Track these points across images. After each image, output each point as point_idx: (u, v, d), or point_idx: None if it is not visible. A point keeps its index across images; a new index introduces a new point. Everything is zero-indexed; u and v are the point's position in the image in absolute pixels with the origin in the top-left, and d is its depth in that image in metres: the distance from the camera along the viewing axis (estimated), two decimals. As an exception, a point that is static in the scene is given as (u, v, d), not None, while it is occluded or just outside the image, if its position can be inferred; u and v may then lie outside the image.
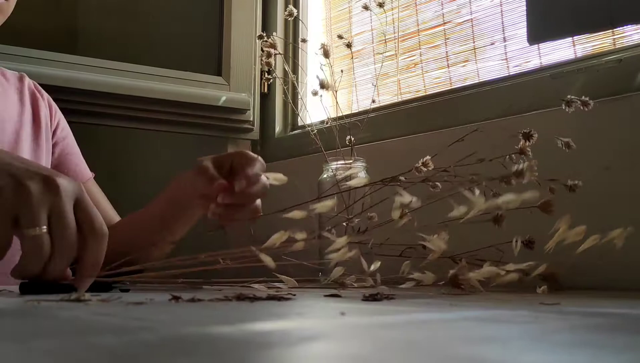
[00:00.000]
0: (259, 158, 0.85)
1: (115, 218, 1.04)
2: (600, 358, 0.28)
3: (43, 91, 1.05)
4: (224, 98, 1.38)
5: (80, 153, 1.06)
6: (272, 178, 0.74)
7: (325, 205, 0.65)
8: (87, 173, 1.05)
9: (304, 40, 1.10)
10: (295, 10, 1.04)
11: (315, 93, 1.03)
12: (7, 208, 0.58)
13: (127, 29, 1.53)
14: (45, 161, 0.99)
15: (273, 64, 1.05)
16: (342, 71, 1.02)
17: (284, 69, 1.41)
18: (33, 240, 0.58)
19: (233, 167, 0.85)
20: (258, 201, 0.84)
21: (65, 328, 0.36)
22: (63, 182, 0.60)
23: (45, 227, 0.58)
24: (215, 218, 0.83)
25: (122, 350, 0.27)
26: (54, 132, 1.03)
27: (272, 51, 1.00)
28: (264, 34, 1.05)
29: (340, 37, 1.01)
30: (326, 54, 1.00)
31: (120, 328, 0.35)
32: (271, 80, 1.32)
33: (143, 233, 0.94)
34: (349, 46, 1.01)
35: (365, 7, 1.04)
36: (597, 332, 0.38)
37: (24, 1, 0.92)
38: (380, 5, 1.03)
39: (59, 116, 1.05)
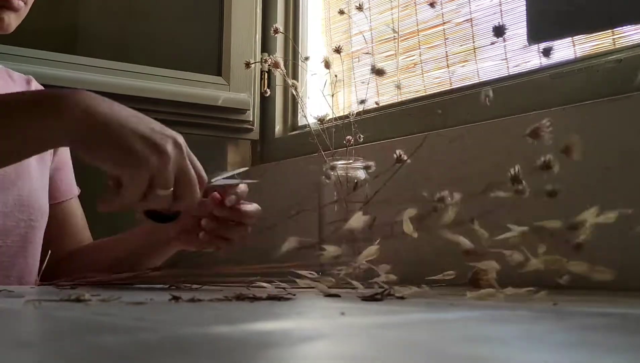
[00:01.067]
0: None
1: (89, 236, 1.04)
2: (599, 358, 0.28)
3: None
4: (223, 97, 1.38)
5: (72, 169, 1.06)
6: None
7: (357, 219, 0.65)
8: (75, 190, 1.04)
9: (306, 59, 1.09)
10: (280, 28, 1.04)
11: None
12: (148, 175, 0.65)
13: (127, 29, 1.52)
14: (44, 167, 0.98)
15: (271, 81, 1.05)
16: (336, 76, 1.02)
17: (284, 70, 1.41)
18: (160, 198, 0.66)
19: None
20: (249, 226, 0.83)
21: (65, 328, 0.36)
22: (182, 140, 0.69)
23: (172, 189, 0.67)
24: (206, 237, 0.82)
25: (122, 350, 0.27)
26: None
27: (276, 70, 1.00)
28: (268, 57, 1.04)
29: (337, 51, 1.01)
30: (327, 65, 1.00)
31: (120, 328, 0.35)
32: (268, 93, 1.31)
33: (115, 260, 0.93)
34: (337, 50, 1.01)
35: (359, 8, 1.04)
36: (597, 332, 0.38)
37: (25, 1, 0.92)
38: (359, 8, 1.03)
39: None
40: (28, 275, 0.92)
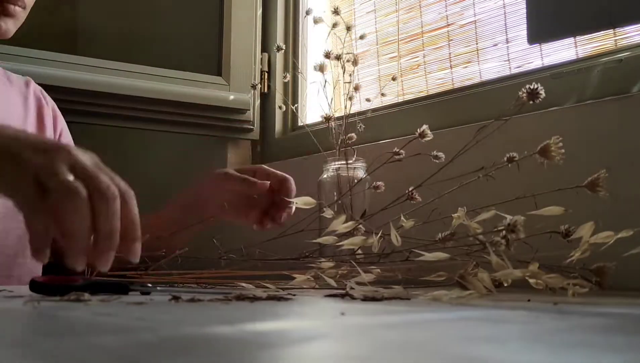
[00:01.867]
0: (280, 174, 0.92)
1: None
2: (599, 358, 0.28)
3: (48, 98, 1.04)
4: (231, 97, 1.38)
5: None
6: (300, 203, 0.75)
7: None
8: None
9: (301, 73, 1.10)
10: (283, 46, 1.06)
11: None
12: (31, 169, 0.52)
13: (127, 29, 1.52)
14: None
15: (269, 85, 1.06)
16: (336, 81, 1.03)
17: (284, 70, 1.41)
18: (62, 185, 0.51)
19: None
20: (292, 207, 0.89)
21: (65, 328, 0.36)
22: (78, 150, 0.55)
23: (72, 176, 0.52)
24: (260, 225, 0.91)
25: (122, 350, 0.27)
26: (57, 139, 1.03)
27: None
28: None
29: (327, 56, 1.01)
30: (322, 70, 1.01)
31: (120, 328, 0.35)
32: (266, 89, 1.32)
33: (152, 236, 0.93)
34: (327, 56, 1.01)
35: (348, 29, 1.05)
36: (596, 332, 0.38)
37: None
38: (335, 12, 1.03)
39: (62, 124, 1.05)
40: (29, 275, 0.92)
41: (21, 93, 1.00)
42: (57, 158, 0.52)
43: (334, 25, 1.03)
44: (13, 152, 0.54)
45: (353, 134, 1.00)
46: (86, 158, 0.54)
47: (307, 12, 1.03)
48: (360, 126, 1.02)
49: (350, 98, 1.03)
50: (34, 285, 0.57)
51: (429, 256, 0.61)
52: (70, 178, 0.51)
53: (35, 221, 0.52)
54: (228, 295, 0.57)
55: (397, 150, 0.87)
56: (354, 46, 1.37)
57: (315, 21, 1.02)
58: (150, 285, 0.64)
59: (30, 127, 0.98)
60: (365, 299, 0.56)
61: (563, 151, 0.68)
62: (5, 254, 0.89)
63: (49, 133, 1.01)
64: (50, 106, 1.04)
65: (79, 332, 0.34)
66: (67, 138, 1.05)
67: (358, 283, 0.63)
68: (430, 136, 0.82)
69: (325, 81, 1.03)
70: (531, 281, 0.58)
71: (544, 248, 0.62)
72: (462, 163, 1.04)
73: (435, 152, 0.82)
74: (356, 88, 1.01)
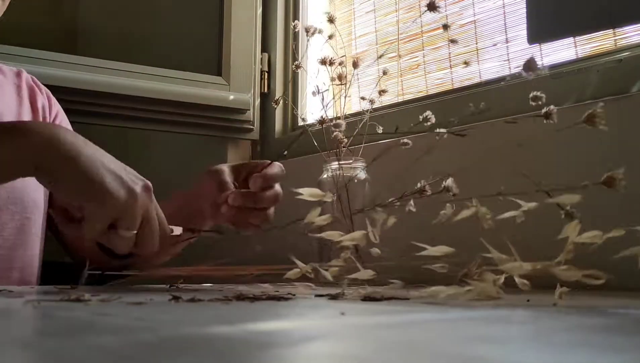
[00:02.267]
0: (279, 164, 0.87)
1: None
2: (599, 358, 0.28)
3: (42, 85, 1.04)
4: (231, 97, 1.38)
5: None
6: (307, 194, 0.73)
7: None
8: None
9: (301, 67, 1.10)
10: (280, 32, 1.05)
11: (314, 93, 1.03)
12: (115, 212, 0.64)
13: (127, 29, 1.52)
14: None
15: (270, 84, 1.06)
16: (332, 80, 1.02)
17: (284, 70, 1.41)
18: (124, 240, 0.66)
19: (250, 173, 0.86)
20: (271, 209, 0.85)
21: (65, 328, 0.36)
22: (150, 187, 0.67)
23: (135, 232, 0.66)
24: (227, 221, 0.85)
25: (122, 350, 0.27)
26: (52, 123, 1.03)
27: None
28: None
29: (324, 63, 1.01)
30: (324, 63, 1.01)
31: (120, 328, 0.35)
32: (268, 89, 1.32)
33: None
34: (323, 62, 1.01)
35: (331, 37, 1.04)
36: (596, 332, 0.38)
37: (24, 1, 0.92)
38: (330, 20, 1.03)
39: (57, 107, 1.05)
40: (30, 266, 0.92)
41: (14, 84, 1.00)
42: (137, 203, 0.65)
43: (330, 36, 1.03)
44: (102, 184, 0.64)
45: (342, 136, 1.00)
46: (150, 198, 0.68)
47: (307, 30, 1.02)
48: (378, 127, 1.02)
49: (346, 97, 1.03)
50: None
51: (432, 250, 0.60)
52: (134, 232, 0.66)
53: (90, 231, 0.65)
54: (228, 295, 0.57)
55: (405, 140, 0.87)
56: (354, 45, 1.38)
57: (312, 32, 1.02)
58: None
59: (26, 117, 0.98)
60: (365, 299, 0.56)
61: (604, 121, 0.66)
62: (3, 247, 0.89)
63: (42, 120, 1.00)
64: (44, 91, 1.04)
65: (79, 332, 0.34)
66: (63, 121, 1.05)
67: (355, 281, 0.62)
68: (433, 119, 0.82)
69: (324, 88, 1.03)
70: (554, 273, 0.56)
71: (541, 249, 0.62)
72: (463, 163, 1.04)
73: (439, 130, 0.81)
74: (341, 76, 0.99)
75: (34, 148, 0.64)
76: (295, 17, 1.48)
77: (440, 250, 0.60)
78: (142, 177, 0.68)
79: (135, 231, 0.65)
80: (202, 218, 0.89)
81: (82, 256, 0.91)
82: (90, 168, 0.64)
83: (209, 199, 0.86)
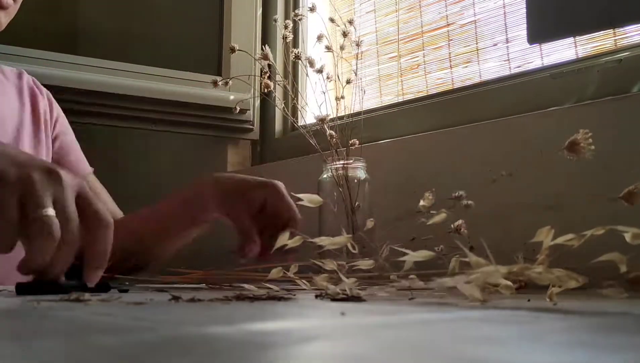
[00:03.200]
0: (293, 205, 0.84)
1: (118, 212, 1.04)
2: (599, 358, 0.28)
3: (42, 87, 1.05)
4: (231, 97, 1.38)
5: (80, 149, 1.06)
6: (306, 200, 0.71)
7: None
8: (87, 167, 1.05)
9: (301, 58, 1.10)
10: (290, 24, 1.05)
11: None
12: (11, 192, 0.56)
13: (127, 29, 1.53)
14: (46, 156, 0.99)
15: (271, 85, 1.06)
16: (328, 77, 1.02)
17: (284, 70, 1.41)
18: (41, 221, 0.56)
19: (266, 207, 0.85)
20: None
21: (65, 328, 0.36)
22: (66, 174, 0.59)
23: (52, 210, 0.56)
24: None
25: (122, 350, 0.27)
26: (53, 127, 1.03)
27: (267, 62, 1.01)
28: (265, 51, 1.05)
29: (318, 69, 1.01)
30: (311, 65, 1.01)
31: (120, 328, 0.35)
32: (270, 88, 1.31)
33: (149, 230, 0.93)
34: (318, 70, 1.01)
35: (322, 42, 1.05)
36: (597, 332, 0.38)
37: (24, 1, 0.92)
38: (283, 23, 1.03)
39: (58, 110, 1.05)
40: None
41: (15, 86, 1.00)
42: (44, 186, 0.56)
43: (328, 48, 1.03)
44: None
45: (337, 137, 1.00)
46: (72, 187, 0.58)
47: (319, 38, 1.03)
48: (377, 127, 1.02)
49: (342, 97, 1.03)
50: (19, 287, 0.60)
51: (414, 255, 0.58)
52: (51, 212, 0.56)
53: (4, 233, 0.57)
54: (228, 295, 0.57)
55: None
56: (353, 45, 1.37)
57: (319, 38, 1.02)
58: (127, 283, 0.66)
59: (27, 120, 0.98)
60: (336, 299, 0.55)
61: (592, 147, 0.65)
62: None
63: (44, 123, 1.01)
64: (44, 93, 1.04)
65: (79, 332, 0.34)
66: (64, 124, 1.05)
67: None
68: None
69: (324, 88, 1.03)
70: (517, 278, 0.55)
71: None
72: (462, 163, 1.04)
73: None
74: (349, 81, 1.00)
75: None
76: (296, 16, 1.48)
77: (422, 254, 0.58)
78: (49, 163, 0.61)
79: (50, 209, 0.56)
80: (205, 215, 0.89)
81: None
82: None
83: (213, 203, 0.85)
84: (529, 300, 0.58)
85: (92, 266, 0.59)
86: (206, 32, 1.48)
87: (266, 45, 1.01)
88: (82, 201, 0.59)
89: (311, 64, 0.99)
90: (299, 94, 1.41)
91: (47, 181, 0.57)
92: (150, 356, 0.26)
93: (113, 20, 1.52)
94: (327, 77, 1.00)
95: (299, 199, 0.69)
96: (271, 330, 0.36)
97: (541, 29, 0.87)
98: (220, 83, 1.02)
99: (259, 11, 1.48)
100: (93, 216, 0.59)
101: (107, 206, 1.02)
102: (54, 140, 1.02)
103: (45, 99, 1.03)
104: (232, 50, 1.05)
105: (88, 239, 0.59)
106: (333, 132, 0.97)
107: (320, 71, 0.99)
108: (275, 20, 1.05)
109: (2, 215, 0.56)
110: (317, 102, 1.03)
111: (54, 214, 0.56)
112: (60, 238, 0.56)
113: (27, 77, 1.03)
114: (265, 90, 1.01)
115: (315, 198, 0.69)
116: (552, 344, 0.31)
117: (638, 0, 0.79)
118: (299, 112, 1.41)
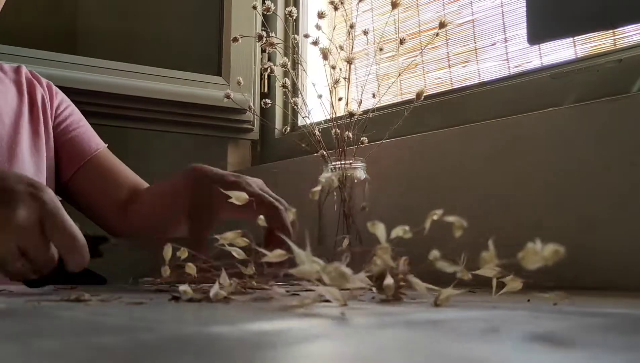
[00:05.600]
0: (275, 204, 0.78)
1: (140, 181, 1.02)
2: (599, 358, 0.28)
3: (42, 78, 1.05)
4: (232, 96, 1.38)
5: (91, 127, 1.06)
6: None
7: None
8: (101, 143, 1.04)
9: (306, 36, 1.10)
10: (295, 11, 1.05)
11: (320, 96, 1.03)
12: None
13: (127, 29, 1.53)
14: (46, 144, 0.99)
15: (274, 69, 1.06)
16: (327, 79, 1.03)
17: (284, 70, 1.40)
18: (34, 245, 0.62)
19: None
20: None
21: (65, 328, 0.36)
22: (49, 198, 0.63)
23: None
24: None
25: (122, 350, 0.27)
26: (56, 112, 1.03)
27: (269, 49, 1.00)
28: (264, 33, 1.05)
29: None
30: (325, 57, 1.00)
31: (120, 328, 0.35)
32: (269, 104, 1.31)
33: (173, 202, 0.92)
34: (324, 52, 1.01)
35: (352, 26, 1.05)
36: (596, 332, 0.38)
37: (24, 1, 0.92)
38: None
39: (61, 96, 1.05)
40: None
41: (14, 80, 1.00)
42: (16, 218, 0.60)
43: (326, 55, 1.03)
44: None
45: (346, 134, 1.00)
46: (40, 204, 0.62)
47: (315, 41, 1.02)
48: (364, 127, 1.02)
49: (341, 99, 1.04)
50: (27, 282, 0.66)
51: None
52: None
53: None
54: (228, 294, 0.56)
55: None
56: (348, 45, 1.37)
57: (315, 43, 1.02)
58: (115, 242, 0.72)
59: (25, 112, 0.98)
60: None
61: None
62: None
63: (42, 111, 1.00)
64: (44, 83, 1.04)
65: (79, 331, 0.34)
66: (69, 108, 1.04)
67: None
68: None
69: (325, 97, 1.03)
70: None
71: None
72: (463, 163, 1.04)
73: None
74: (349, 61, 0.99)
75: None
76: (296, 19, 1.48)
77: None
78: (35, 185, 0.64)
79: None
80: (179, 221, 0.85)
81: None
82: None
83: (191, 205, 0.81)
84: (528, 300, 0.58)
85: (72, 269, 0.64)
86: (206, 32, 1.48)
87: (268, 29, 1.01)
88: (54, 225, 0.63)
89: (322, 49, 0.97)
90: (300, 93, 1.41)
91: (26, 201, 0.61)
92: (150, 356, 0.26)
93: (113, 20, 1.52)
94: (334, 81, 1.00)
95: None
96: (271, 330, 0.36)
97: (541, 30, 0.87)
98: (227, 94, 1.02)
99: (259, 11, 1.48)
100: (66, 237, 0.63)
101: (129, 177, 1.01)
102: (59, 124, 1.02)
103: (44, 88, 1.03)
104: (235, 40, 1.05)
105: (64, 258, 0.64)
106: (338, 131, 0.97)
107: (325, 57, 0.99)
108: (272, 11, 1.05)
109: None
110: (319, 103, 1.03)
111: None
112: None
113: (25, 70, 1.03)
114: (269, 48, 1.00)
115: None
116: (552, 344, 0.31)
117: (638, 0, 0.79)
118: (299, 112, 1.41)
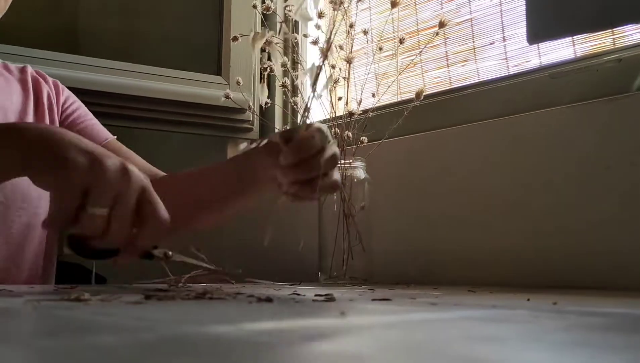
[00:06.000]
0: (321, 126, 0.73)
1: (156, 170, 1.01)
2: (598, 358, 0.28)
3: (48, 77, 1.05)
4: (228, 96, 1.38)
5: (98, 121, 1.06)
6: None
7: None
8: (108, 135, 1.04)
9: (305, 36, 1.10)
10: (272, 4, 1.05)
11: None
12: (80, 182, 0.58)
13: (127, 29, 1.53)
14: None
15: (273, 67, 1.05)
16: (325, 73, 1.02)
17: (284, 69, 1.40)
18: (91, 218, 0.59)
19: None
20: (336, 174, 0.74)
21: (65, 328, 0.36)
22: (135, 174, 0.61)
23: (106, 210, 0.59)
24: (290, 198, 0.73)
25: (122, 350, 0.27)
26: (63, 106, 1.03)
27: (268, 48, 1.00)
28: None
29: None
30: (326, 56, 1.00)
31: (120, 328, 0.35)
32: (269, 103, 1.30)
33: (197, 192, 0.92)
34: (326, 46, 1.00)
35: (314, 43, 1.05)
36: (595, 332, 0.38)
37: (26, 1, 0.92)
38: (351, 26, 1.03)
39: (67, 93, 1.05)
40: (34, 263, 0.93)
41: (20, 81, 1.01)
42: (104, 175, 0.59)
43: (325, 54, 1.03)
44: (67, 156, 0.59)
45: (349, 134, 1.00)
46: (136, 183, 0.61)
47: (317, 40, 1.02)
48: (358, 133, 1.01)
49: (340, 99, 1.04)
50: (72, 241, 0.63)
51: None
52: (103, 212, 0.59)
53: (63, 207, 0.59)
54: (228, 295, 0.57)
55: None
56: (347, 44, 1.37)
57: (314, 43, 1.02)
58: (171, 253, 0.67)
59: (30, 110, 0.98)
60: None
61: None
62: (11, 243, 0.89)
63: (48, 109, 1.00)
64: (50, 81, 1.04)
65: (79, 331, 0.34)
66: (75, 103, 1.04)
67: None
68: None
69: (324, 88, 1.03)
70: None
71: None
72: (462, 163, 1.04)
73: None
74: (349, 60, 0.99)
75: (24, 148, 0.62)
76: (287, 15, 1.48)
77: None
78: (122, 161, 0.62)
79: (105, 210, 0.59)
80: (254, 181, 0.82)
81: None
82: (57, 145, 0.60)
83: (263, 161, 0.78)
84: (528, 300, 0.58)
85: (135, 245, 0.62)
86: (206, 32, 1.48)
87: (267, 27, 1.01)
88: (144, 198, 0.61)
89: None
90: (300, 93, 1.41)
91: (114, 178, 0.59)
92: (150, 356, 0.26)
93: (113, 20, 1.52)
94: (334, 80, 1.00)
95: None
96: (271, 330, 0.36)
97: (541, 29, 0.87)
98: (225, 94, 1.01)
99: (259, 11, 1.48)
100: (153, 213, 0.61)
101: (144, 165, 1.01)
102: (65, 119, 1.02)
103: (50, 85, 1.03)
104: (235, 39, 1.05)
105: (139, 233, 0.62)
106: (338, 130, 0.97)
107: (327, 48, 0.98)
108: (272, 10, 1.05)
109: (63, 201, 0.59)
110: (319, 103, 1.03)
111: (106, 215, 0.59)
112: (109, 228, 0.60)
113: (30, 70, 1.03)
114: (268, 47, 1.00)
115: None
116: (552, 344, 0.31)
117: (637, 0, 0.79)
118: (298, 111, 1.41)
